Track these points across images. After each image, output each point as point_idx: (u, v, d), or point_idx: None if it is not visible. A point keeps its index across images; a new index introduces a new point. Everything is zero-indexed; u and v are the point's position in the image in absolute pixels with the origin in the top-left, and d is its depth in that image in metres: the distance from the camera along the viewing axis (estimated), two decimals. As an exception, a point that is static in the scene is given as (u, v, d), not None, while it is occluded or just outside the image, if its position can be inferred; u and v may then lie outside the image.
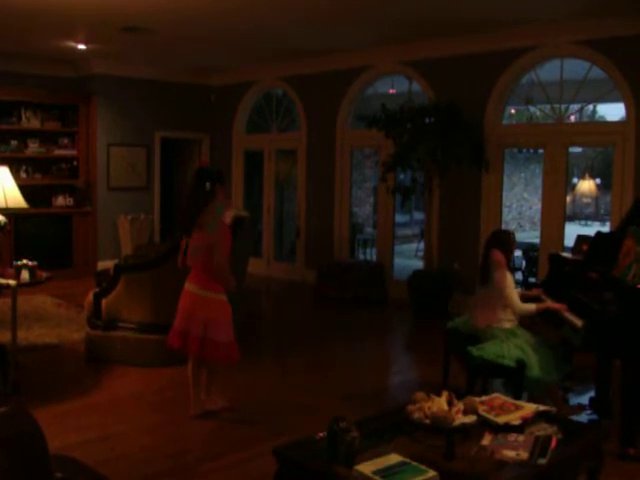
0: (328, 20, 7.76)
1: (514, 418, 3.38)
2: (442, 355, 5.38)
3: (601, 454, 3.47)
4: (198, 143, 12.37)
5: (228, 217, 5.50)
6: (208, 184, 4.82)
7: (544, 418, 3.49)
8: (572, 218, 20.31)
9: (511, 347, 4.72)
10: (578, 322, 4.64)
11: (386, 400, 5.59)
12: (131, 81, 11.23)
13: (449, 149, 8.04)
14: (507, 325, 4.91)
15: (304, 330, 8.11)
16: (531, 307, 4.94)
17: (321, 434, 3.17)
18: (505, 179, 9.27)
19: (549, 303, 5.02)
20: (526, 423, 3.37)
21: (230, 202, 5.27)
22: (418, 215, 17.46)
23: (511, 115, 14.49)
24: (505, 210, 12.79)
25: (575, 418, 4.80)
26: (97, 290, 6.61)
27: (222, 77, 11.96)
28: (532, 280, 9.69)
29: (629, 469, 4.22)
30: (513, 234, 5.24)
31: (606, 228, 9.47)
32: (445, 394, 3.30)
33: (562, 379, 5.07)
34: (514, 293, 4.96)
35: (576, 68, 8.00)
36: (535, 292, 5.30)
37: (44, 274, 6.08)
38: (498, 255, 4.97)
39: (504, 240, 5.11)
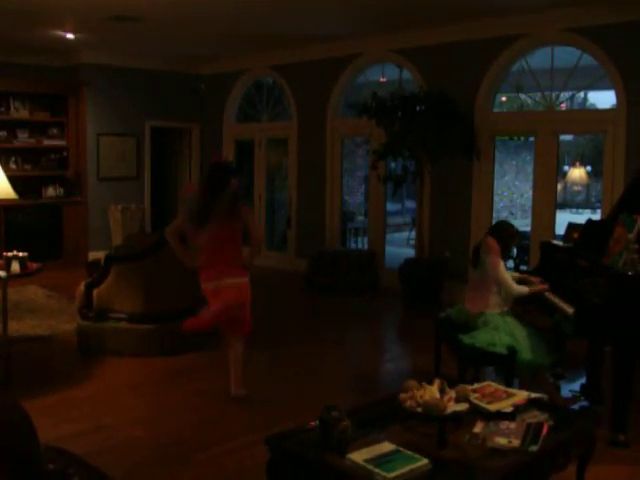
0: (318, 7, 7.71)
1: (506, 405, 3.39)
2: (434, 343, 5.38)
3: (593, 440, 3.48)
4: (188, 132, 12.32)
5: None
6: (234, 181, 4.93)
7: (536, 405, 3.51)
8: (563, 206, 20.32)
9: (502, 334, 4.74)
10: (569, 309, 4.66)
11: (378, 388, 5.61)
12: (121, 70, 11.15)
13: (440, 137, 8.03)
14: (497, 310, 4.92)
15: (296, 319, 8.11)
16: (524, 289, 4.99)
17: (313, 423, 3.17)
18: (496, 167, 9.27)
19: (536, 286, 5.08)
20: (518, 410, 3.39)
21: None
22: (409, 203, 17.45)
23: (502, 103, 14.48)
24: (496, 198, 12.77)
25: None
26: (88, 281, 6.60)
27: (212, 66, 11.89)
28: (523, 268, 9.70)
29: (620, 455, 4.25)
30: (515, 229, 5.23)
31: (597, 216, 9.49)
32: (437, 382, 3.31)
33: (553, 366, 5.09)
34: (508, 276, 4.98)
35: (567, 56, 7.98)
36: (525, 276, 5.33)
37: (35, 265, 6.03)
38: (491, 241, 5.00)
39: (501, 231, 5.12)
